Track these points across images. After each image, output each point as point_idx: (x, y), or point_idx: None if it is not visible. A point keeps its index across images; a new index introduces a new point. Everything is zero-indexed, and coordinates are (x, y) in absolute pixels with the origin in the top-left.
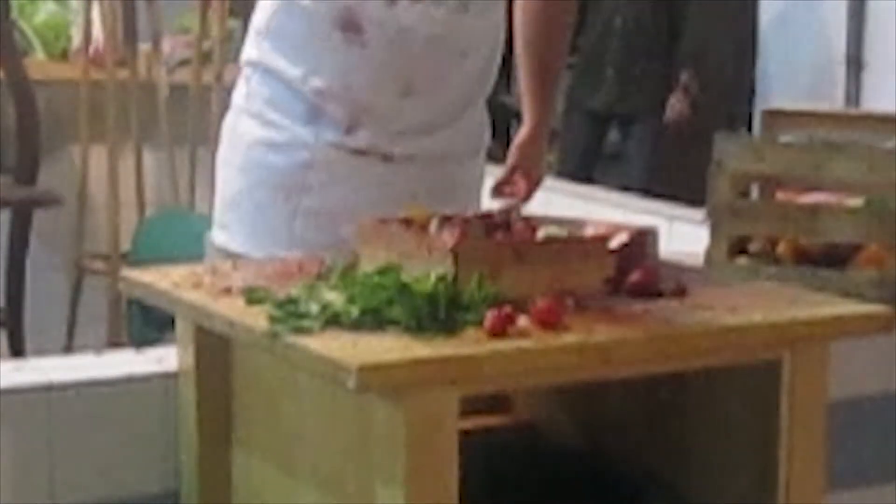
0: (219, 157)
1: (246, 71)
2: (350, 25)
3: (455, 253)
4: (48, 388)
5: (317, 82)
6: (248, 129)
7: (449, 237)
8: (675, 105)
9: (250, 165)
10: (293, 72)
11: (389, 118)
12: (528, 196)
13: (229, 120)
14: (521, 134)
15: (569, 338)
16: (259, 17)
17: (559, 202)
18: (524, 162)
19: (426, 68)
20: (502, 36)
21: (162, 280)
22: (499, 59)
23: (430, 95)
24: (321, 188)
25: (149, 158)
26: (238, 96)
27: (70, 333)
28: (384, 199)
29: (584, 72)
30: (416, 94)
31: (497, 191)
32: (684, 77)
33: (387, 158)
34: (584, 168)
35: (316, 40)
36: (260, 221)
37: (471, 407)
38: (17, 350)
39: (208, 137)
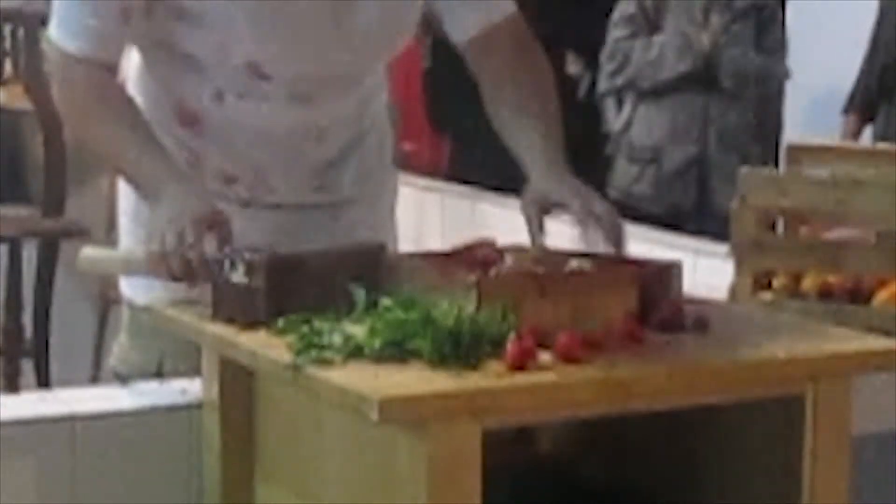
0: (119, 207)
1: None
2: (187, 118)
3: (478, 285)
4: (72, 419)
5: (187, 151)
6: None
7: (471, 269)
8: None
9: (138, 219)
10: (164, 138)
11: (258, 184)
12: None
13: None
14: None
15: (591, 372)
16: (128, 74)
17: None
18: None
19: (269, 155)
20: (375, 106)
21: (187, 311)
22: (376, 121)
23: (286, 174)
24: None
25: None
26: None
27: (96, 364)
28: (280, 245)
29: None
30: (269, 174)
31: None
32: None
33: (275, 207)
34: None
35: (166, 123)
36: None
37: (495, 441)
38: (43, 380)
39: None
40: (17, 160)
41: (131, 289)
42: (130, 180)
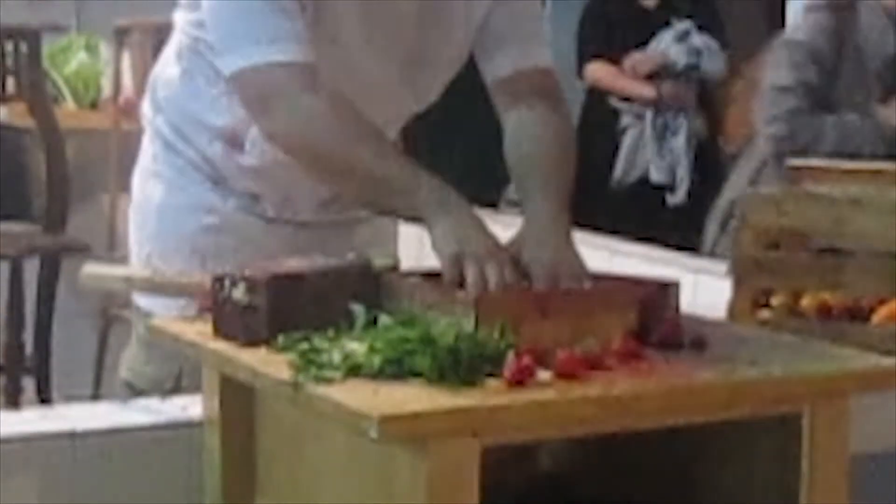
0: (130, 220)
1: (149, 131)
2: (233, 141)
3: (477, 304)
4: (73, 436)
5: (210, 167)
6: (156, 191)
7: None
8: None
9: (163, 231)
10: (189, 152)
11: (283, 205)
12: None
13: (137, 181)
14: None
15: (589, 389)
16: (157, 83)
17: (583, 255)
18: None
19: (299, 181)
20: (393, 133)
21: (188, 329)
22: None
23: (311, 197)
24: (234, 253)
25: None
26: (145, 157)
27: (97, 381)
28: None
29: None
30: (295, 196)
31: None
32: None
33: (298, 225)
34: None
35: (203, 138)
36: None
37: (494, 458)
38: (44, 397)
39: None
40: (18, 177)
41: (149, 302)
42: (392, 201)
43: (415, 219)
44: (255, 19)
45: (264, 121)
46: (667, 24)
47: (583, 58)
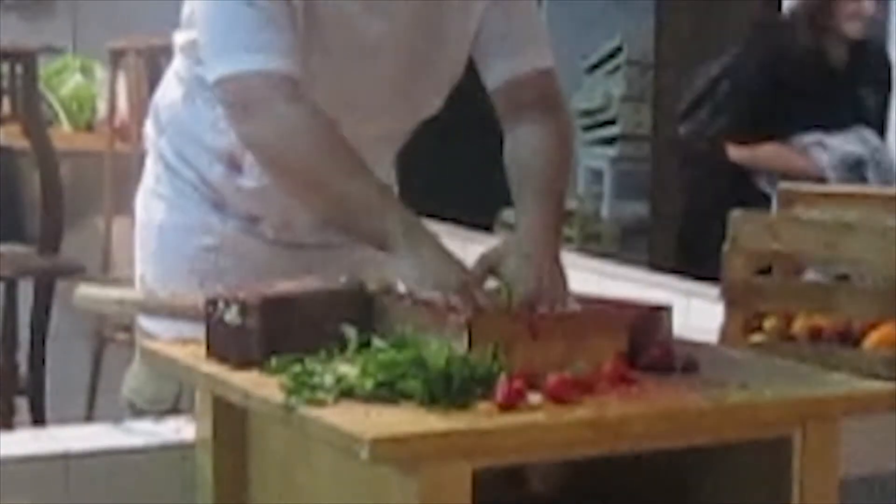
0: (135, 239)
1: (152, 152)
2: (232, 163)
3: (469, 327)
4: (66, 457)
5: (210, 190)
6: (157, 212)
7: (463, 311)
8: None
9: (163, 251)
10: (189, 173)
11: (283, 227)
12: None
13: (140, 201)
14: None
15: (580, 413)
16: (159, 105)
17: (576, 278)
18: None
19: (299, 203)
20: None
21: (181, 351)
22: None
23: (311, 219)
24: (234, 272)
25: None
26: (148, 177)
27: (91, 402)
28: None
29: None
30: (295, 218)
31: None
32: None
33: (297, 246)
34: None
35: (203, 161)
36: None
37: (485, 480)
38: (38, 418)
39: None
40: (13, 199)
41: (152, 322)
42: (358, 223)
43: (378, 245)
44: (245, 27)
45: (242, 127)
46: (853, 93)
47: (733, 129)
